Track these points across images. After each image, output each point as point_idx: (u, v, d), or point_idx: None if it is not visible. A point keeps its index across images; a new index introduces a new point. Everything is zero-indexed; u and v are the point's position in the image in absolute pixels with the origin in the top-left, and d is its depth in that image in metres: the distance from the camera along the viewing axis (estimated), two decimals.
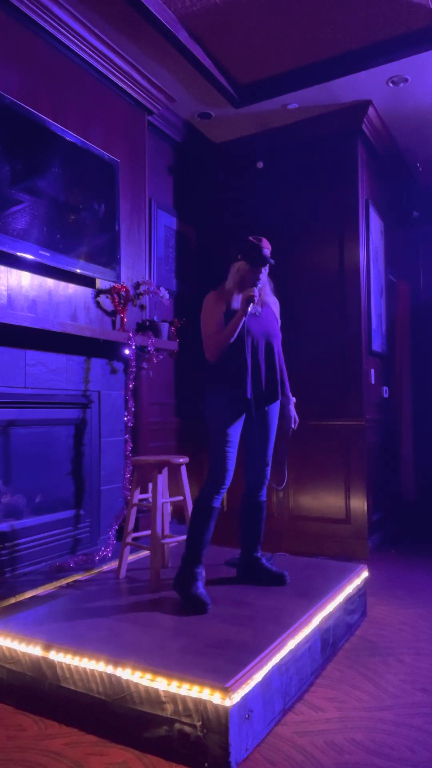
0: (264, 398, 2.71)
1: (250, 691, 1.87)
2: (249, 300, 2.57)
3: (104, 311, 3.63)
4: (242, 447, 2.76)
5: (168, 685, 1.86)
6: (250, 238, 2.66)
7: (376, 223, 4.66)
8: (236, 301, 2.67)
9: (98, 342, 3.40)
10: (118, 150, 3.77)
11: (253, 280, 2.67)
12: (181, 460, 2.94)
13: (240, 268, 2.67)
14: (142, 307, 3.92)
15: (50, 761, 1.83)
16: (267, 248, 2.66)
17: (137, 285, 3.87)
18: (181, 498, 2.98)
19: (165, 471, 3.00)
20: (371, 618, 3.04)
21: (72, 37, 3.35)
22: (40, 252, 3.07)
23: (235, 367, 2.62)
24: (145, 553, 3.34)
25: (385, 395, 4.93)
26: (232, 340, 2.61)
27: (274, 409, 2.82)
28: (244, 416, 2.68)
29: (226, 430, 2.61)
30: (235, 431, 2.65)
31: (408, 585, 3.57)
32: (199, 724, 1.80)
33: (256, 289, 2.62)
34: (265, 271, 2.71)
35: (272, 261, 2.68)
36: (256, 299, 2.61)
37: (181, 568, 2.61)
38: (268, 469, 2.86)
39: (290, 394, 2.90)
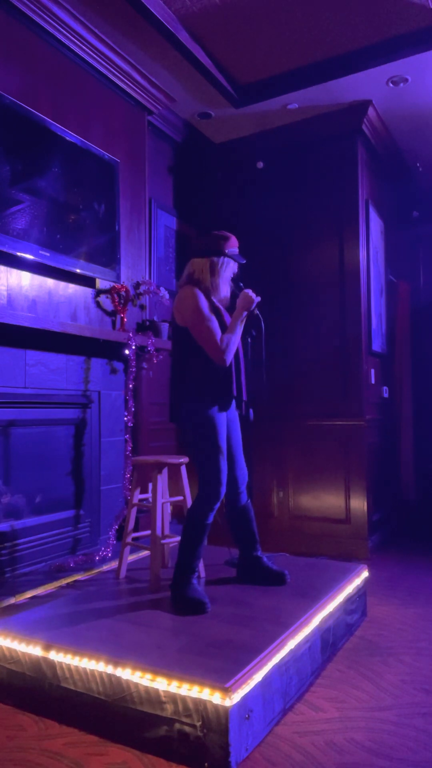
0: (242, 399, 2.73)
1: (250, 691, 1.87)
2: (252, 302, 2.62)
3: (104, 311, 3.62)
4: None
5: (168, 685, 1.86)
6: (230, 235, 2.67)
7: (376, 223, 4.66)
8: (221, 300, 2.69)
9: (98, 342, 3.40)
10: (118, 150, 3.77)
11: (232, 277, 2.70)
12: (181, 460, 2.93)
13: (225, 263, 2.65)
14: (142, 307, 3.92)
15: (50, 761, 1.83)
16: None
17: (137, 285, 3.87)
18: (181, 498, 2.98)
19: (165, 471, 3.00)
20: (371, 618, 3.04)
21: (72, 37, 3.35)
22: (40, 252, 3.07)
23: (225, 371, 2.59)
24: (145, 553, 3.34)
25: (385, 395, 4.93)
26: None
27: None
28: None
29: (219, 439, 2.58)
30: (224, 440, 2.62)
31: (408, 585, 3.57)
32: (199, 724, 1.80)
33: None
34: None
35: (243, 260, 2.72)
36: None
37: (175, 577, 2.59)
38: (246, 473, 2.84)
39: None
